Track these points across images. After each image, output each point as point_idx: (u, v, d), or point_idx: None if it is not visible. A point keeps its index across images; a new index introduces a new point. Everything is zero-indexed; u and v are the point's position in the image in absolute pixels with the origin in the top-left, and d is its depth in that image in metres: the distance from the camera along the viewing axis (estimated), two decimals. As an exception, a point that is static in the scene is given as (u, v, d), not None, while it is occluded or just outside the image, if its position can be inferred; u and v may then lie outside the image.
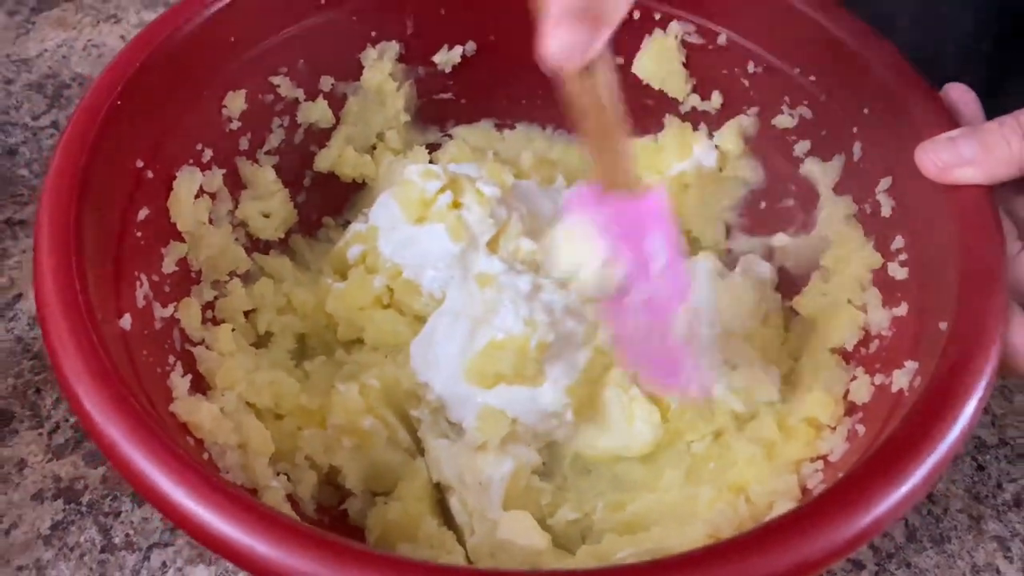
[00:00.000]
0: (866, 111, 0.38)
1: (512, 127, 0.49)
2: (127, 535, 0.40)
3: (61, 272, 0.30)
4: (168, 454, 0.26)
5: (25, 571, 0.39)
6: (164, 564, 0.39)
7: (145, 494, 0.26)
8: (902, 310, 0.35)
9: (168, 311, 0.37)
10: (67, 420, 0.43)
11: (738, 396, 0.38)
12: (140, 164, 0.37)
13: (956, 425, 0.27)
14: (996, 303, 0.30)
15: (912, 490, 0.26)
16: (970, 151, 0.32)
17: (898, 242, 0.37)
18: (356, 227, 0.43)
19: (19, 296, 0.47)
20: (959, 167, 0.33)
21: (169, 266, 0.38)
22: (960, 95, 0.36)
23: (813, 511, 0.25)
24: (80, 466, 0.42)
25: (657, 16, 0.43)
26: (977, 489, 0.44)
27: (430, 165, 0.42)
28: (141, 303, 0.35)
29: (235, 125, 0.42)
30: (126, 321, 0.33)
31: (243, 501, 0.25)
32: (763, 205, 0.45)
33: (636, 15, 0.43)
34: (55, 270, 0.30)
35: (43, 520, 0.40)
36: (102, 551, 0.40)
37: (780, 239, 0.43)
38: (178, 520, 0.26)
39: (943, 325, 0.30)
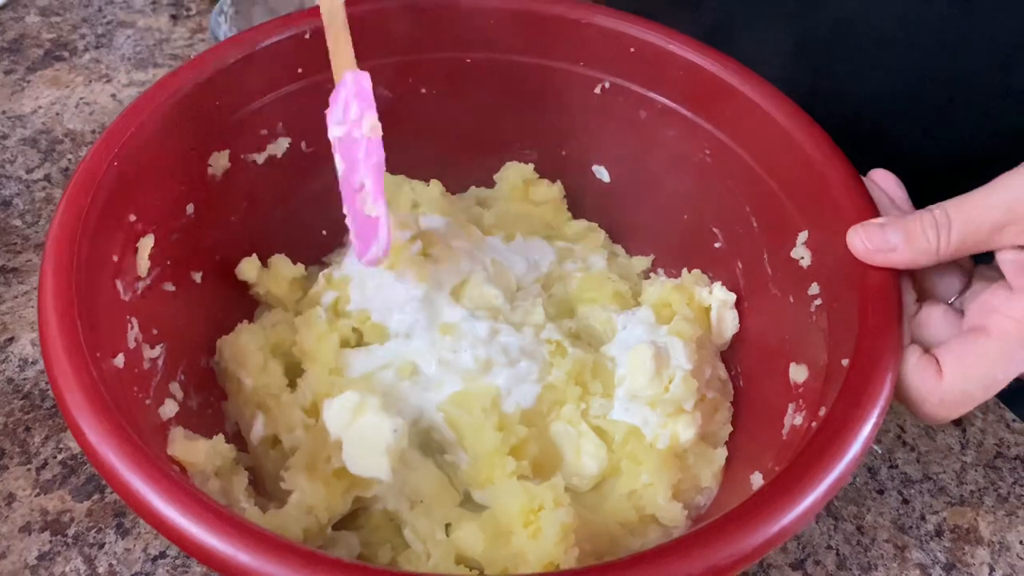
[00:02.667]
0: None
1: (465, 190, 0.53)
2: (110, 564, 0.42)
3: (65, 316, 0.33)
4: (161, 475, 0.29)
5: None
6: None
7: (138, 509, 0.29)
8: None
9: (156, 351, 0.39)
10: (55, 457, 0.45)
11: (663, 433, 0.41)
12: (133, 218, 0.39)
13: (852, 445, 0.31)
14: (890, 342, 0.33)
15: (811, 504, 0.29)
16: (896, 239, 0.35)
17: (813, 288, 0.40)
18: (329, 272, 0.45)
19: (11, 340, 0.50)
20: (884, 252, 0.35)
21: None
22: (884, 179, 0.40)
23: (717, 526, 0.28)
24: (67, 500, 0.43)
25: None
26: (902, 521, 0.47)
27: (403, 215, 0.45)
28: (132, 344, 0.38)
29: (219, 181, 0.45)
30: (119, 360, 0.36)
31: (228, 516, 0.28)
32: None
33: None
34: (60, 314, 0.33)
35: (30, 551, 0.42)
36: None
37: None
38: (168, 533, 0.28)
39: (845, 362, 0.33)
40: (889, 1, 0.47)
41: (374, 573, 0.29)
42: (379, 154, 0.40)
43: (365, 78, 0.40)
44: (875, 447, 0.49)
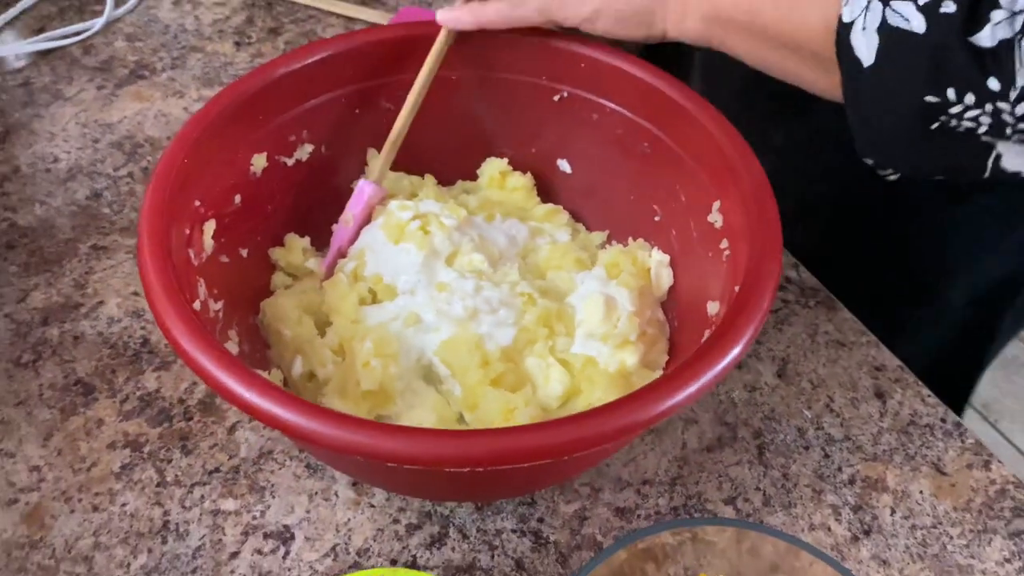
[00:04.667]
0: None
1: (453, 183, 0.63)
2: (176, 475, 0.52)
3: (162, 271, 0.42)
4: (245, 372, 0.38)
5: (101, 496, 0.50)
6: (202, 497, 0.51)
7: (225, 395, 0.38)
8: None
9: (218, 305, 0.50)
10: (134, 393, 0.55)
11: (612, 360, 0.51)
12: (197, 203, 0.49)
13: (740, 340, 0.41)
14: (771, 270, 0.44)
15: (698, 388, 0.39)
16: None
17: (724, 244, 0.50)
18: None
19: (100, 303, 0.60)
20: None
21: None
22: None
23: (635, 395, 0.39)
24: (143, 426, 0.54)
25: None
26: (822, 471, 0.54)
27: (405, 201, 0.55)
28: (202, 298, 0.48)
29: (259, 178, 0.55)
30: (197, 305, 0.46)
31: (290, 396, 0.38)
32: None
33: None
34: (158, 271, 0.42)
35: (115, 462, 0.52)
36: (157, 486, 0.51)
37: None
38: (248, 410, 0.37)
39: (736, 288, 0.44)
40: None
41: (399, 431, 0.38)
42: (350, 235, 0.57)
43: (369, 186, 0.57)
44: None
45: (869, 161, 0.47)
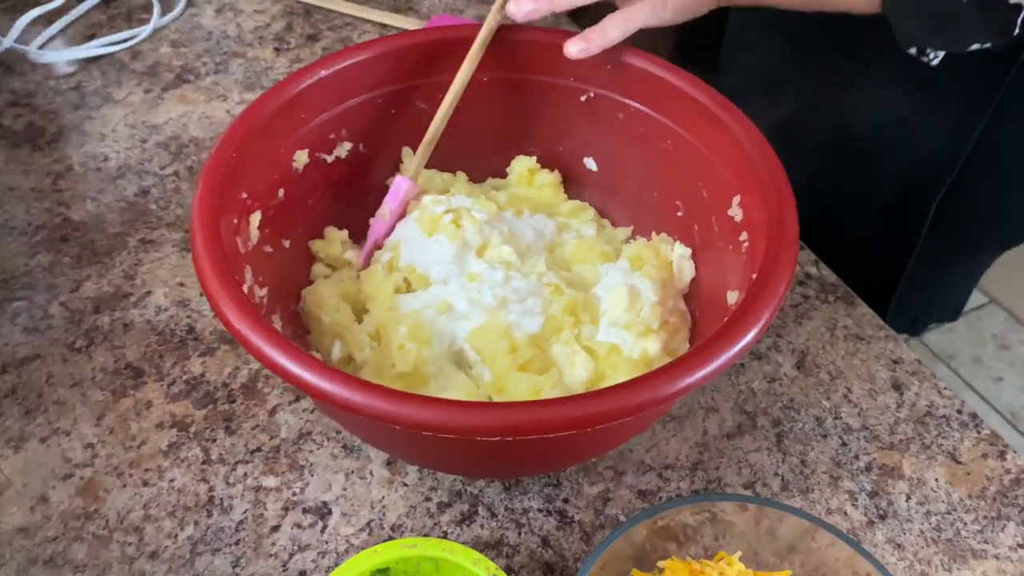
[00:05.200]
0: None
1: (483, 180, 0.66)
2: (220, 453, 0.55)
3: (214, 257, 0.45)
4: (292, 348, 0.41)
5: (150, 472, 0.53)
6: (245, 474, 0.54)
7: (274, 368, 0.40)
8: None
9: (263, 292, 0.53)
10: (181, 377, 0.58)
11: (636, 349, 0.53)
12: (244, 195, 0.52)
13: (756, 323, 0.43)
14: (788, 259, 0.46)
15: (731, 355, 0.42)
16: None
17: (743, 236, 0.52)
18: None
19: (148, 292, 0.63)
20: None
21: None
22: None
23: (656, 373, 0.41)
24: (189, 408, 0.57)
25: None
26: (839, 458, 0.56)
27: (438, 196, 0.58)
28: (248, 284, 0.51)
29: (300, 173, 0.57)
30: (244, 288, 0.48)
31: (332, 369, 0.40)
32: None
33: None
34: (210, 255, 0.45)
35: (163, 441, 0.55)
36: (203, 463, 0.54)
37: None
38: (298, 383, 0.40)
39: (754, 275, 0.46)
40: None
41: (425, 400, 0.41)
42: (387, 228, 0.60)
43: (405, 182, 0.59)
44: None
45: (912, 50, 0.56)
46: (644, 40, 0.57)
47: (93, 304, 0.63)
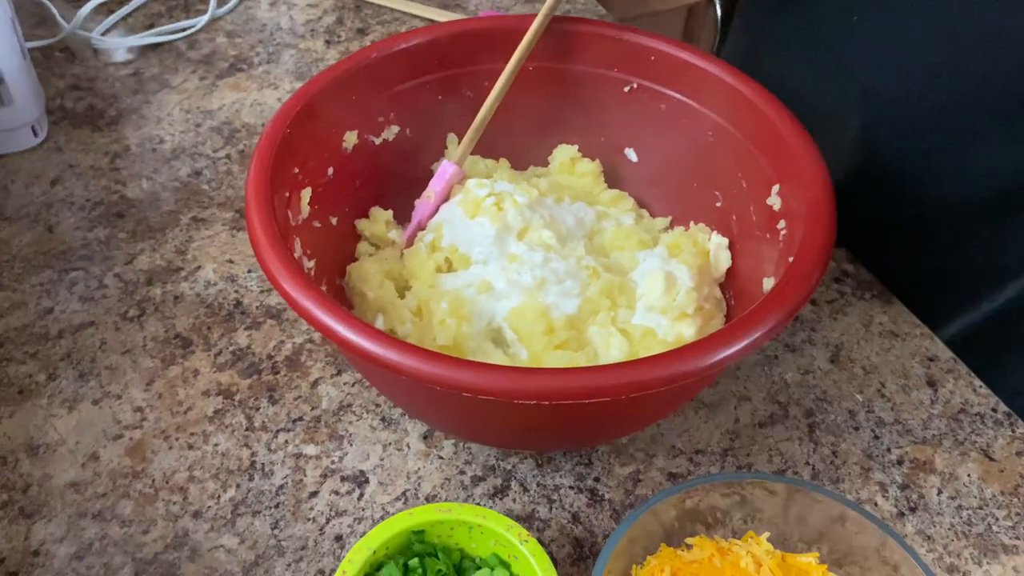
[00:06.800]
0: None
1: (525, 168, 0.67)
2: (263, 421, 0.56)
3: (269, 229, 0.46)
4: (340, 311, 0.42)
5: (195, 436, 0.55)
6: (286, 442, 0.55)
7: (325, 332, 0.42)
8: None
9: (311, 264, 0.55)
10: (227, 348, 0.60)
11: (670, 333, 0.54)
12: (296, 171, 0.54)
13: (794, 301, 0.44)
14: (825, 243, 0.47)
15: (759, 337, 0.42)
16: None
17: (781, 224, 0.53)
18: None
19: (199, 267, 0.66)
20: None
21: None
22: None
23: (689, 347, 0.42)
24: (235, 377, 0.59)
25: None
26: (871, 451, 0.56)
27: (482, 180, 0.59)
28: (297, 254, 0.53)
29: (349, 154, 0.59)
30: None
31: (377, 331, 0.42)
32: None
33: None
34: (266, 230, 0.46)
35: (209, 408, 0.57)
36: (246, 430, 0.56)
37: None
38: (344, 345, 0.42)
39: (791, 259, 0.47)
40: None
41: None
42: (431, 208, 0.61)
43: (450, 166, 0.60)
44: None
45: None
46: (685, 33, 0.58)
47: (146, 276, 0.65)
